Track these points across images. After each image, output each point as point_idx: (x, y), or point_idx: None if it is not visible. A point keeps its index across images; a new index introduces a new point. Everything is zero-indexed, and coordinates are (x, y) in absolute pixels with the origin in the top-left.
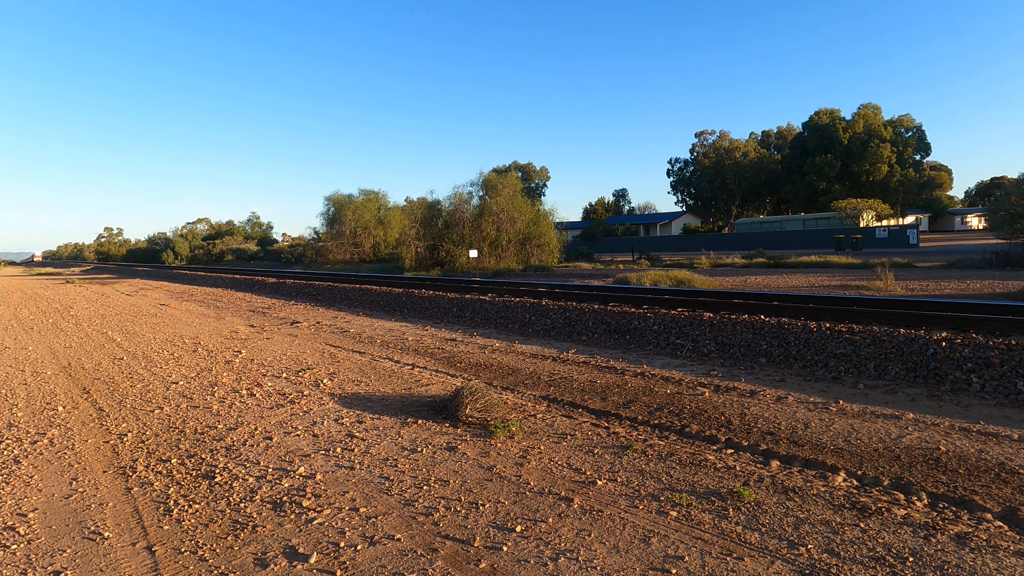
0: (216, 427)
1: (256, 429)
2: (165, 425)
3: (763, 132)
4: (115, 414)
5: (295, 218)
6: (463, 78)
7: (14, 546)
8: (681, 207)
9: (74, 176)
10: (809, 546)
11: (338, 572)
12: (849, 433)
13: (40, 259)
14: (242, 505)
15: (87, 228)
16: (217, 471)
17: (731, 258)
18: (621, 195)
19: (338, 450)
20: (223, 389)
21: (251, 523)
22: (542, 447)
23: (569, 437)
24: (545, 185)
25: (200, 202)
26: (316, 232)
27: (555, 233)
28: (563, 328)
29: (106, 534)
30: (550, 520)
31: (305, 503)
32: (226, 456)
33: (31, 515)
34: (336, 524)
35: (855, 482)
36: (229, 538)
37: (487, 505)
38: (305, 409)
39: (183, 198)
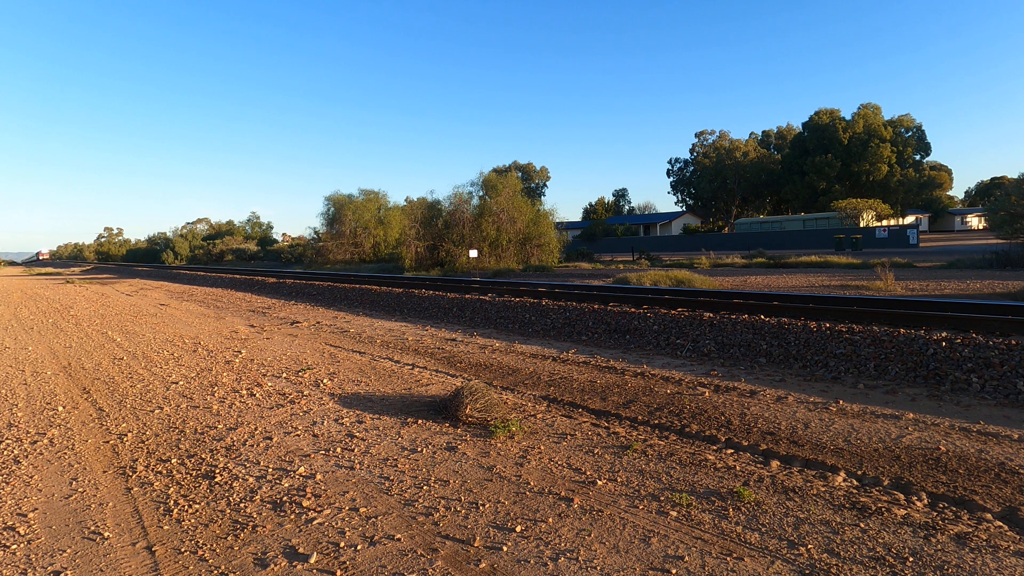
0: (216, 427)
1: (256, 429)
2: (165, 425)
3: (763, 132)
4: (115, 414)
5: (295, 218)
6: (463, 78)
7: (14, 546)
8: (681, 207)
9: (74, 176)
10: (809, 546)
11: (338, 572)
12: (849, 433)
13: (47, 257)
14: (242, 505)
15: (87, 228)
16: (217, 471)
17: (731, 258)
18: (621, 195)
19: (338, 450)
20: (223, 389)
21: (251, 523)
22: (542, 447)
23: (569, 437)
24: (545, 185)
25: (200, 202)
26: (316, 232)
27: (555, 233)
28: (563, 328)
29: (106, 534)
30: (550, 520)
31: (305, 503)
32: (226, 456)
33: (31, 515)
34: (336, 524)
35: (855, 482)
36: (229, 538)
37: (487, 505)
38: (305, 409)
39: (183, 198)
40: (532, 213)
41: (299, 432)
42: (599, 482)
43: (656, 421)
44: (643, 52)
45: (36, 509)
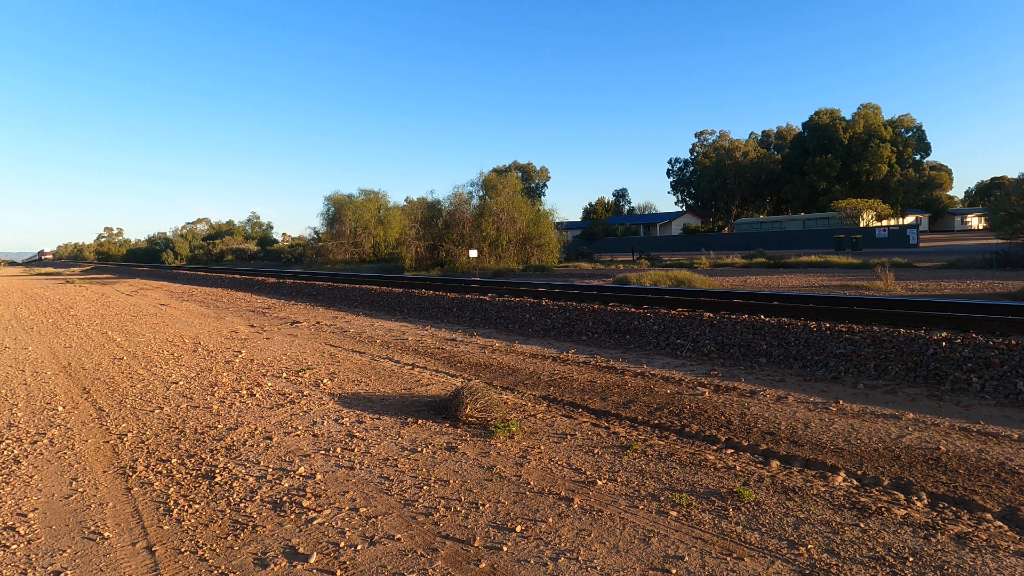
0: (216, 427)
1: (256, 429)
2: (165, 425)
3: (763, 132)
4: (115, 414)
5: (295, 218)
6: (463, 78)
7: (14, 546)
8: (681, 207)
9: (75, 176)
10: (809, 546)
11: (338, 572)
12: (849, 433)
13: (50, 256)
14: (242, 505)
15: (87, 228)
16: (217, 471)
17: (731, 258)
18: (621, 195)
19: (338, 450)
20: (223, 389)
21: (251, 523)
22: (542, 447)
23: (569, 437)
24: (545, 185)
25: (200, 202)
26: (316, 232)
27: (555, 233)
28: (563, 328)
29: (106, 534)
30: (550, 520)
31: (305, 503)
32: (226, 456)
33: (31, 515)
34: (336, 524)
35: (855, 482)
36: (229, 538)
37: (487, 505)
38: (305, 409)
39: (183, 198)
40: (532, 213)
41: (299, 432)
42: (599, 482)
43: (656, 421)
44: (643, 52)
45: (36, 509)
